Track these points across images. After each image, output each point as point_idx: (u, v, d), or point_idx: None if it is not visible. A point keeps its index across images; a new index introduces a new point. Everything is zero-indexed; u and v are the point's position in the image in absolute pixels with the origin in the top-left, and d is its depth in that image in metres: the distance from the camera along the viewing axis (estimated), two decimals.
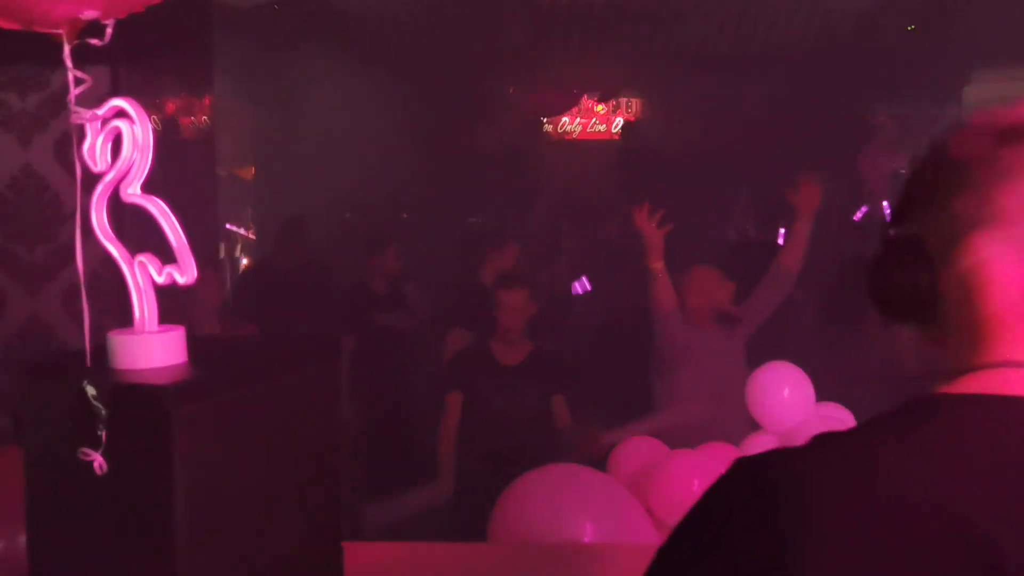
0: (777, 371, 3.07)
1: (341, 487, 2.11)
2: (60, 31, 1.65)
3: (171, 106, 5.86)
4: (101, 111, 1.69)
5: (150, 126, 1.73)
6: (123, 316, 1.80)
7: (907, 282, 1.15)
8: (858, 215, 7.80)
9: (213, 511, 1.70)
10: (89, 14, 1.64)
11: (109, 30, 1.66)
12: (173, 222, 1.75)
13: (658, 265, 4.46)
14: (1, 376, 4.75)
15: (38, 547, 1.69)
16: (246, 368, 1.86)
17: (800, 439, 2.89)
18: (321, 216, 7.58)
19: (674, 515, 2.76)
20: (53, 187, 4.64)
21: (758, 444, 3.02)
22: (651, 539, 2.69)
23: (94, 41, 1.69)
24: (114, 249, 1.75)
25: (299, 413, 1.99)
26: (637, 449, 2.95)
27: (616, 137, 11.92)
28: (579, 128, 12.26)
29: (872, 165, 8.19)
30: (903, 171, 8.10)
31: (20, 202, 4.68)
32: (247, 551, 1.82)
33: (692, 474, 2.74)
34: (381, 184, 8.59)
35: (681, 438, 3.03)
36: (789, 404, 3.02)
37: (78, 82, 1.68)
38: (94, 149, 1.70)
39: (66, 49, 1.67)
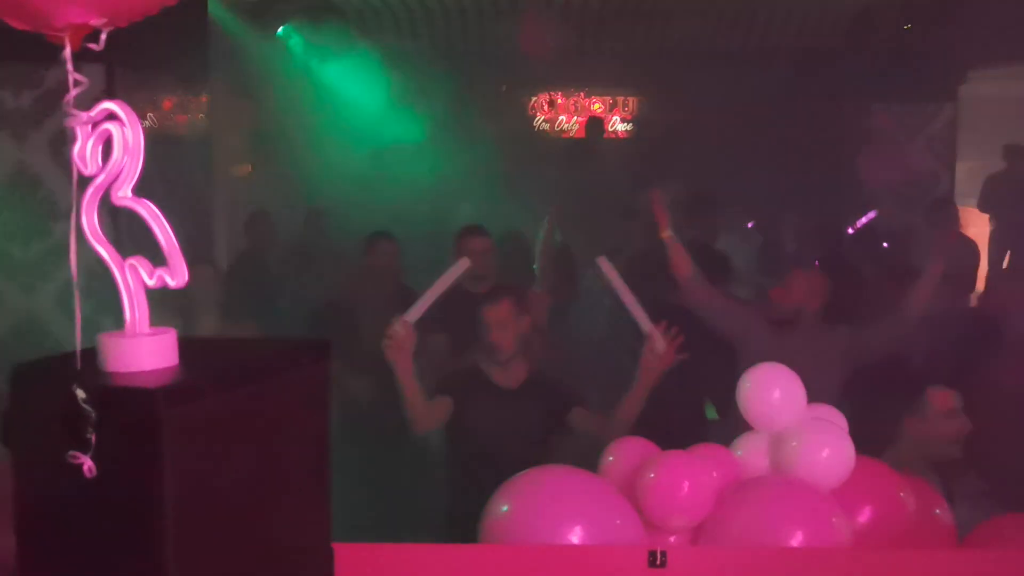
0: (768, 372, 3.07)
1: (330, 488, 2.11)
2: (63, 34, 1.66)
3: (167, 104, 5.87)
4: (91, 113, 1.69)
5: (141, 129, 1.73)
6: (120, 315, 1.80)
7: None
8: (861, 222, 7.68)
9: (203, 514, 1.70)
10: (95, 21, 1.64)
11: (103, 36, 1.66)
12: (164, 224, 1.75)
13: (667, 235, 4.62)
14: None
15: (28, 549, 1.69)
16: (236, 371, 1.85)
17: (791, 440, 2.88)
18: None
19: (665, 516, 2.77)
20: (47, 185, 4.65)
21: (749, 445, 3.03)
22: (641, 540, 2.70)
23: (92, 46, 1.69)
24: (104, 252, 1.74)
25: (289, 415, 1.99)
26: (629, 450, 2.95)
27: (613, 135, 11.96)
28: (576, 126, 12.28)
29: (872, 167, 8.19)
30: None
31: (14, 199, 4.69)
32: (237, 553, 1.83)
33: (683, 475, 2.74)
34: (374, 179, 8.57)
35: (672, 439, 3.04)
36: (780, 405, 3.02)
37: (76, 84, 1.68)
38: (84, 151, 1.70)
39: (67, 52, 1.67)
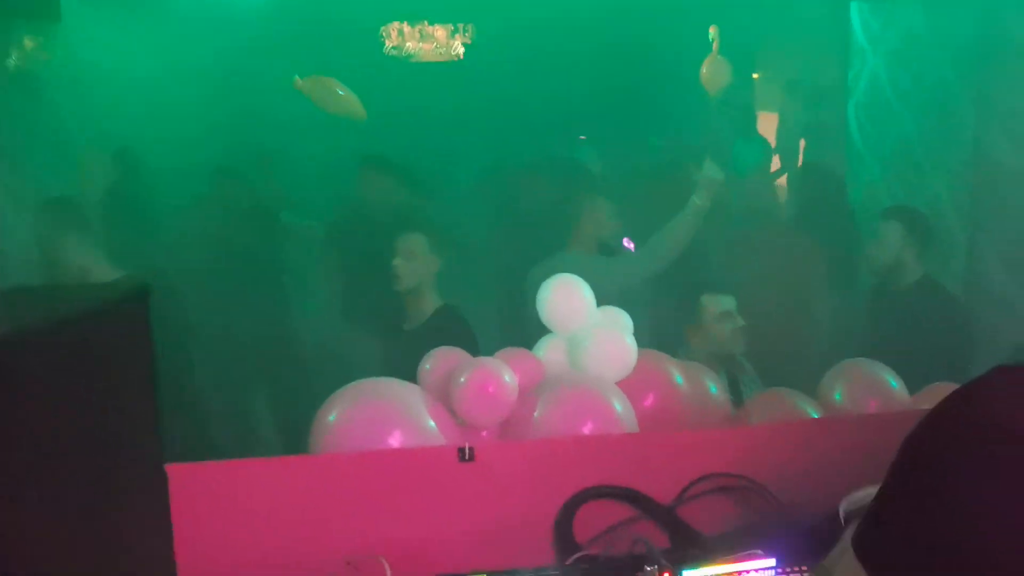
0: (563, 282, 3.11)
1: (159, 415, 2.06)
2: None
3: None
4: None
5: None
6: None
7: None
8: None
9: (31, 450, 1.63)
10: None
11: None
12: None
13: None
14: None
15: None
16: (50, 317, 1.77)
17: (583, 340, 2.92)
18: None
19: (475, 415, 2.79)
20: None
21: (549, 345, 3.07)
22: (454, 441, 2.72)
23: None
24: None
25: (113, 353, 1.92)
26: (441, 358, 2.96)
27: (456, 58, 11.76)
28: (422, 51, 12.04)
29: None
30: None
31: None
32: (68, 482, 1.76)
33: (488, 379, 2.77)
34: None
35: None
36: (574, 310, 3.07)
37: None
38: None
39: None
